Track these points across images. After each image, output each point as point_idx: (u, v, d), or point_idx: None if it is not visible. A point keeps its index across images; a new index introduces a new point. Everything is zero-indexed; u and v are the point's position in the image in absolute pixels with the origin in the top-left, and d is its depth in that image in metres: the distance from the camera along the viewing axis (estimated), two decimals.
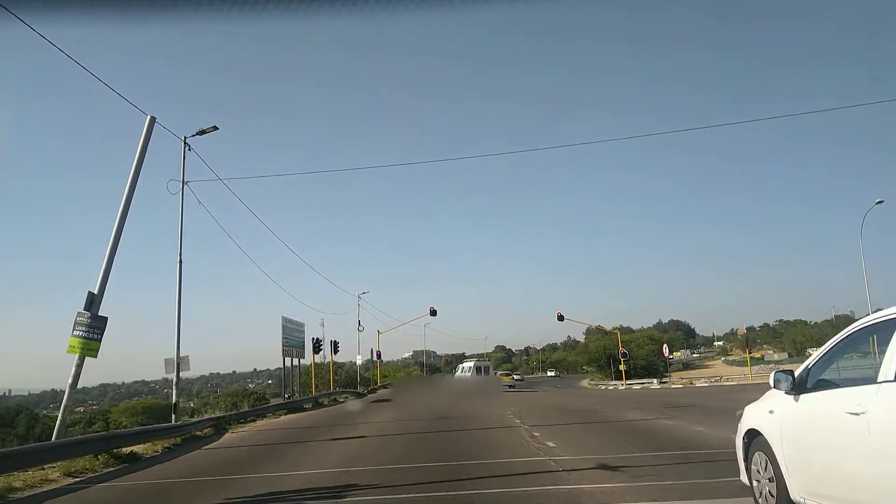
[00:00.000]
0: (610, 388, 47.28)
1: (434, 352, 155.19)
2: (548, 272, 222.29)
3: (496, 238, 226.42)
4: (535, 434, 11.62)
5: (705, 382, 44.93)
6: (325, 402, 29.13)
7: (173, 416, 15.23)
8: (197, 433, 14.68)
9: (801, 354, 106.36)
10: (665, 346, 49.72)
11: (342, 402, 31.34)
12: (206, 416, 17.91)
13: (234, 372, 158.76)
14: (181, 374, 15.90)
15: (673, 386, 43.12)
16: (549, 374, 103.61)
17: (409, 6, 7.03)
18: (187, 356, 15.64)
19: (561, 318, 49.06)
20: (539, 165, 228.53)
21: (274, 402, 26.16)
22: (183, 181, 16.40)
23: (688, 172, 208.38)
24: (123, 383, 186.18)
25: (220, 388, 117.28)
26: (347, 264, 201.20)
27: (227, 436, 14.96)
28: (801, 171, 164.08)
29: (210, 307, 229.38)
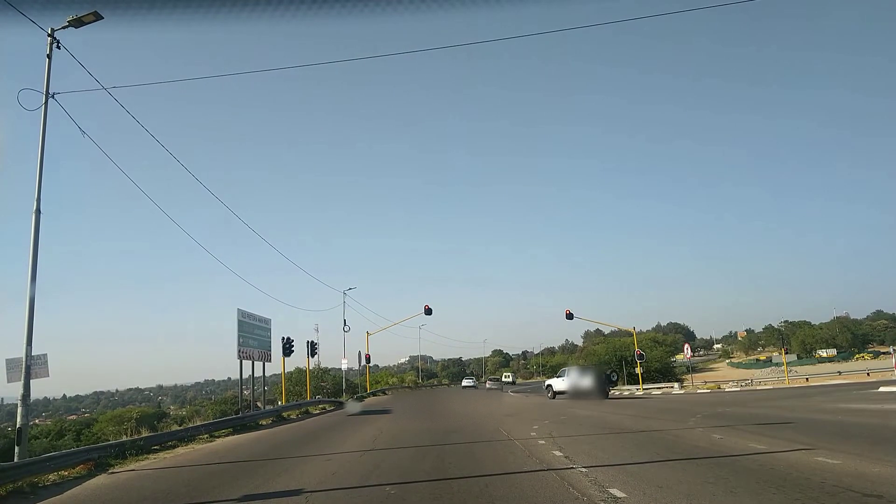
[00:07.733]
0: (626, 393, 42.17)
1: (431, 357, 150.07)
2: (547, 275, 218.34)
3: (496, 240, 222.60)
4: None
5: (735, 387, 39.85)
6: (294, 416, 23.66)
7: (16, 448, 9.68)
8: (47, 479, 9.20)
9: (809, 355, 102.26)
10: (686, 346, 44.61)
11: (316, 413, 25.87)
12: (80, 447, 12.06)
13: (229, 378, 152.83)
14: (39, 380, 10.45)
15: (699, 391, 37.99)
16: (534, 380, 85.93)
17: None
18: (44, 356, 10.25)
19: (570, 316, 44.53)
20: (540, 169, 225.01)
21: (269, 409, 20.37)
22: (47, 92, 11.02)
23: (688, 172, 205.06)
24: (117, 391, 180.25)
25: (215, 395, 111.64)
26: (343, 265, 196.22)
27: (99, 480, 9.43)
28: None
29: (206, 310, 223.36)
